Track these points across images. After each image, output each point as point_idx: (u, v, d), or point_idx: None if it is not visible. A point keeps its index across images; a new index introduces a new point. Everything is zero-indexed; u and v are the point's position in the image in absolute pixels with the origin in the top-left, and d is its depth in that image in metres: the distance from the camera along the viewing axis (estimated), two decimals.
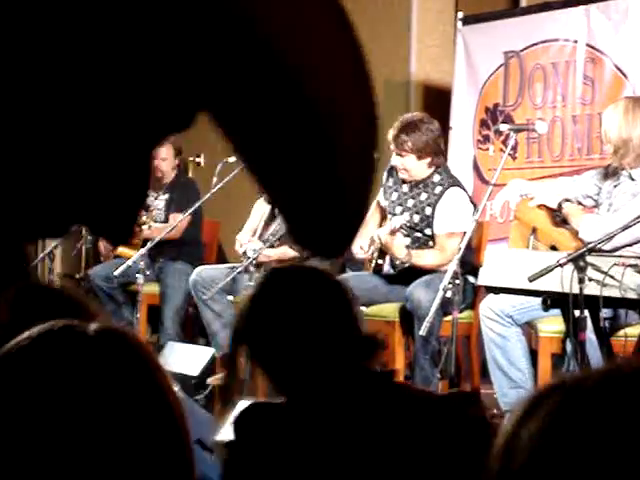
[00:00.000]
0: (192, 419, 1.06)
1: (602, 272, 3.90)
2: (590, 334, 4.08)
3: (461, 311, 4.68)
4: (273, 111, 1.07)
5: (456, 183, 5.20)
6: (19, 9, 1.02)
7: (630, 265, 3.90)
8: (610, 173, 4.61)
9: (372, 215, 5.41)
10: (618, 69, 5.86)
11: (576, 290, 3.88)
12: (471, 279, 4.89)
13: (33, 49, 1.02)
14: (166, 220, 6.29)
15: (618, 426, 0.80)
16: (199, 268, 5.79)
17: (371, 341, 2.12)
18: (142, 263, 5.57)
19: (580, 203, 4.68)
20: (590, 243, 3.99)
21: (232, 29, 1.03)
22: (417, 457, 1.97)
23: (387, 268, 5.25)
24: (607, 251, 4.13)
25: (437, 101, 7.01)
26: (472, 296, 5.04)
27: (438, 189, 5.14)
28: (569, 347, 4.14)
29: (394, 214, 5.23)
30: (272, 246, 5.55)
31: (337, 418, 2.03)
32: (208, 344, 5.72)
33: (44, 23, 1.02)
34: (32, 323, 1.04)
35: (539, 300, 4.14)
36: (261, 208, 5.86)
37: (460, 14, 6.74)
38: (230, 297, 5.60)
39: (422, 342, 4.79)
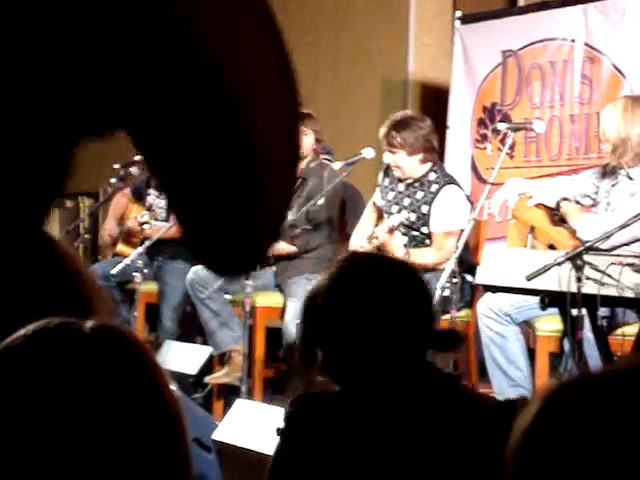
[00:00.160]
0: (189, 418, 1.06)
1: (600, 271, 3.90)
2: (588, 333, 4.08)
3: (459, 310, 4.69)
4: (182, 102, 1.02)
5: (452, 181, 5.21)
6: None
7: (628, 264, 3.89)
8: (608, 172, 4.61)
9: (369, 215, 5.41)
10: (616, 68, 5.86)
11: (574, 289, 3.88)
12: (469, 278, 4.89)
13: None
14: (168, 219, 6.28)
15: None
16: (196, 267, 5.78)
17: (452, 334, 2.27)
18: (140, 262, 5.57)
19: (578, 202, 4.68)
20: (588, 242, 3.98)
21: (146, 26, 1.00)
22: (474, 461, 1.97)
23: None
24: (605, 250, 4.13)
25: (435, 100, 7.02)
26: (470, 295, 5.04)
27: (434, 187, 5.14)
28: (567, 346, 4.14)
29: (391, 213, 5.23)
30: None
31: (398, 413, 2.03)
32: (205, 343, 5.71)
33: None
34: None
35: (537, 299, 4.13)
36: None
37: (458, 13, 6.75)
38: (227, 296, 5.59)
39: None
